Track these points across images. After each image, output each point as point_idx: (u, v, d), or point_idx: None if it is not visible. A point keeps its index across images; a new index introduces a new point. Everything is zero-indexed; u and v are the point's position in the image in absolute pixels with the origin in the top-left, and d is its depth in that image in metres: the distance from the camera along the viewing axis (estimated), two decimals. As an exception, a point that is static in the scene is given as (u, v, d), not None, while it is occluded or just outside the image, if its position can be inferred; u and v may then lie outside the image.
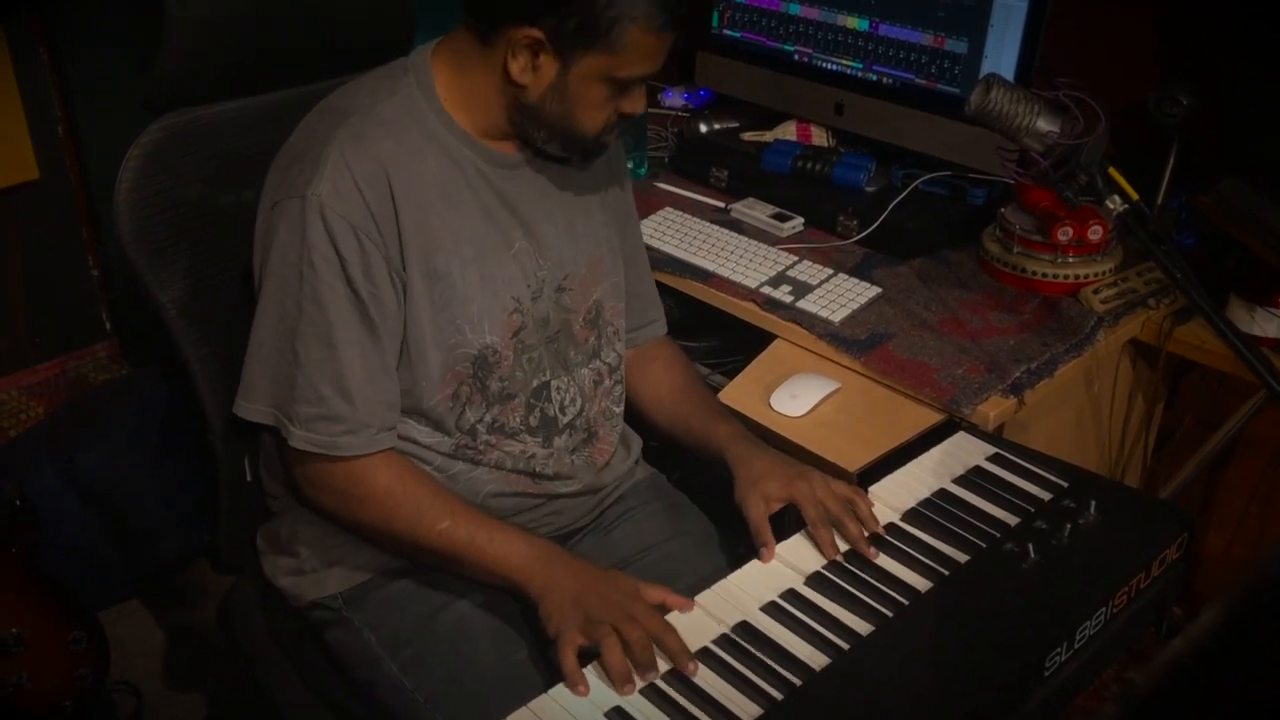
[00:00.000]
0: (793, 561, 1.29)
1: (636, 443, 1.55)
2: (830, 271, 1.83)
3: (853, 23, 1.99)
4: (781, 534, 1.34)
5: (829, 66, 2.05)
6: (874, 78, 2.00)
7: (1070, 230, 1.74)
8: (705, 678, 1.14)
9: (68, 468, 2.16)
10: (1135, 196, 1.36)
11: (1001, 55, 1.82)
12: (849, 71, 2.03)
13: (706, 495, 1.56)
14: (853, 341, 1.68)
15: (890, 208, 1.91)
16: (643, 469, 1.55)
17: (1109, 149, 1.38)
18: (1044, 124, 1.37)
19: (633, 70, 1.23)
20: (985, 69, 1.84)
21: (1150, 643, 1.72)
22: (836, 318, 1.73)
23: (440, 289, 1.27)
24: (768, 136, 2.16)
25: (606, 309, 1.44)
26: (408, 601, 1.31)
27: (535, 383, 1.37)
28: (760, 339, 1.79)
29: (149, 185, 1.38)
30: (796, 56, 2.09)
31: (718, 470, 1.44)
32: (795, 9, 2.06)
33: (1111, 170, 1.37)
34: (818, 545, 1.30)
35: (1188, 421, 2.00)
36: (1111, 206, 1.33)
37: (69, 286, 2.93)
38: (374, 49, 1.49)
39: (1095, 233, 1.75)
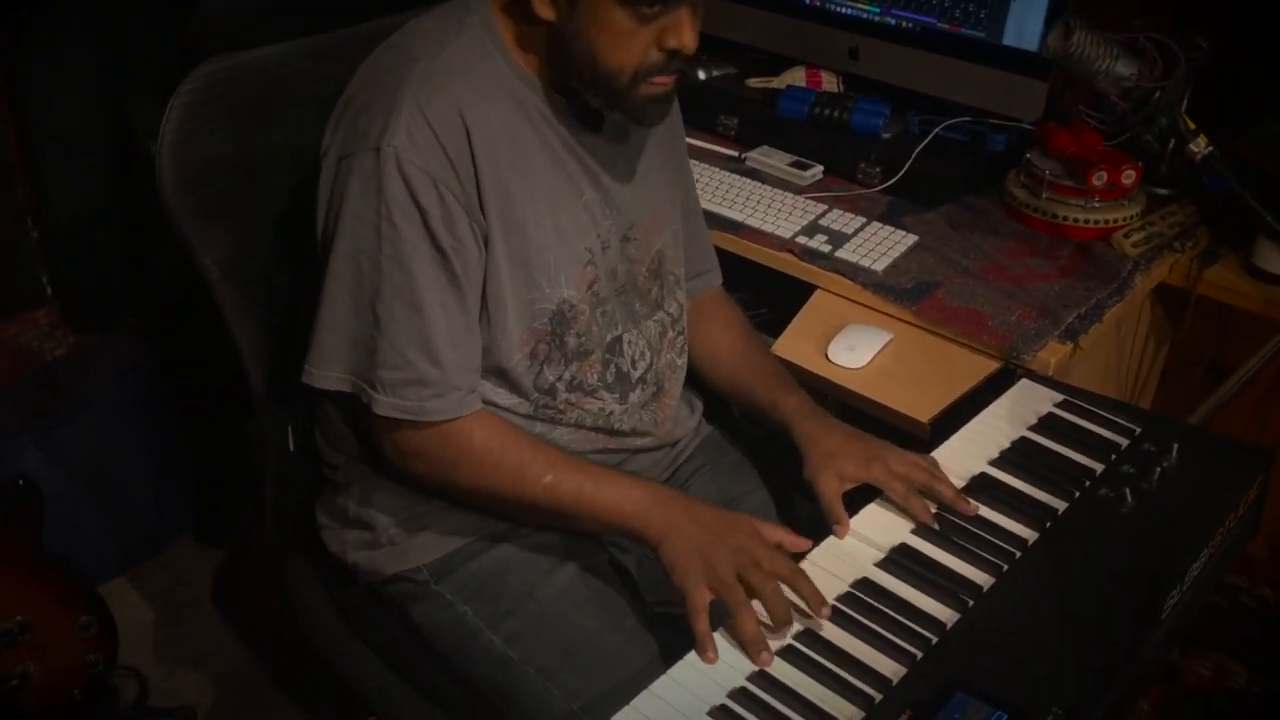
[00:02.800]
0: (870, 533, 1.26)
1: (699, 403, 1.51)
2: (862, 220, 1.81)
3: (870, -35, 1.96)
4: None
5: (844, 10, 2.01)
6: (892, 22, 1.96)
7: (1105, 174, 1.74)
8: (838, 634, 1.11)
9: (48, 442, 2.03)
10: (1208, 142, 1.36)
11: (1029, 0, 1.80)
12: (865, 15, 1.99)
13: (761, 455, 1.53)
14: (901, 290, 1.66)
15: (915, 154, 1.88)
16: (706, 426, 1.51)
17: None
18: (1123, 67, 1.36)
19: None
20: (1014, 13, 1.82)
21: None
22: (879, 266, 1.70)
23: (516, 240, 1.21)
24: (776, 83, 2.12)
25: (668, 258, 1.39)
26: (504, 571, 1.26)
27: (609, 337, 1.32)
28: (789, 290, 1.75)
29: (191, 138, 1.29)
30: (808, 1, 2.04)
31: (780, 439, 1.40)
32: (807, -50, 2.01)
33: (1185, 116, 1.36)
34: (913, 517, 1.25)
35: (1204, 360, 2.04)
36: (1195, 149, 1.33)
37: (6, 250, 2.75)
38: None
39: (1129, 176, 1.75)
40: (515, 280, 1.22)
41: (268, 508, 1.46)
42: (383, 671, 1.36)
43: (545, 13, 1.15)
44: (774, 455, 1.47)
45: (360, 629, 1.38)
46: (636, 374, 1.36)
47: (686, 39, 1.15)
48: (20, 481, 1.67)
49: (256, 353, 1.39)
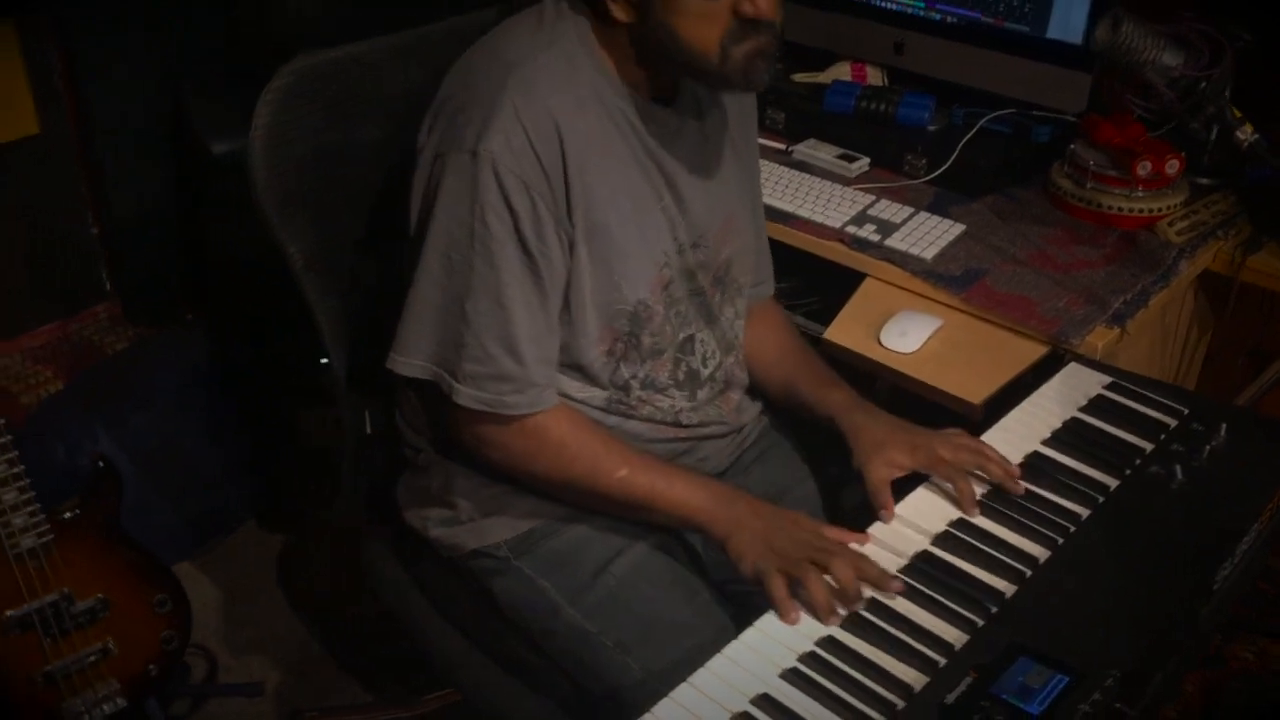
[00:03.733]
0: (917, 519, 1.30)
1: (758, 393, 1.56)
2: (910, 210, 1.86)
3: (916, -38, 2.00)
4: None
5: (889, 6, 2.06)
6: (937, 17, 2.01)
7: (1149, 164, 1.78)
8: (900, 604, 1.16)
9: (120, 430, 2.11)
10: (1254, 130, 1.40)
11: (1075, -7, 1.84)
12: (911, 10, 2.04)
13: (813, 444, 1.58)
14: (950, 278, 1.71)
15: (960, 146, 1.93)
16: (765, 418, 1.56)
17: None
18: (1169, 58, 1.40)
19: None
20: (1058, 7, 1.86)
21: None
22: (928, 255, 1.75)
23: (599, 244, 1.26)
24: (822, 77, 2.16)
25: (734, 266, 1.44)
26: (580, 548, 1.32)
27: (681, 336, 1.37)
28: (838, 278, 1.80)
29: (281, 131, 1.34)
30: (855, -4, 2.09)
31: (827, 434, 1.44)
32: (852, -52, 2.06)
33: (1231, 105, 1.40)
34: (959, 501, 1.29)
35: (1247, 347, 2.07)
36: (1243, 137, 1.37)
37: (68, 246, 2.83)
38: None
39: (1172, 166, 1.79)
40: (596, 282, 1.27)
41: (345, 487, 1.52)
42: (461, 641, 1.42)
43: (622, 15, 1.20)
44: (824, 443, 1.52)
45: (439, 602, 1.44)
46: (706, 372, 1.41)
47: (762, 5, 1.17)
48: (100, 464, 1.74)
49: (337, 339, 1.45)
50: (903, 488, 1.33)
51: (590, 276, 1.26)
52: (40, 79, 2.61)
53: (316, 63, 1.36)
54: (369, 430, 1.52)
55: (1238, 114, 1.40)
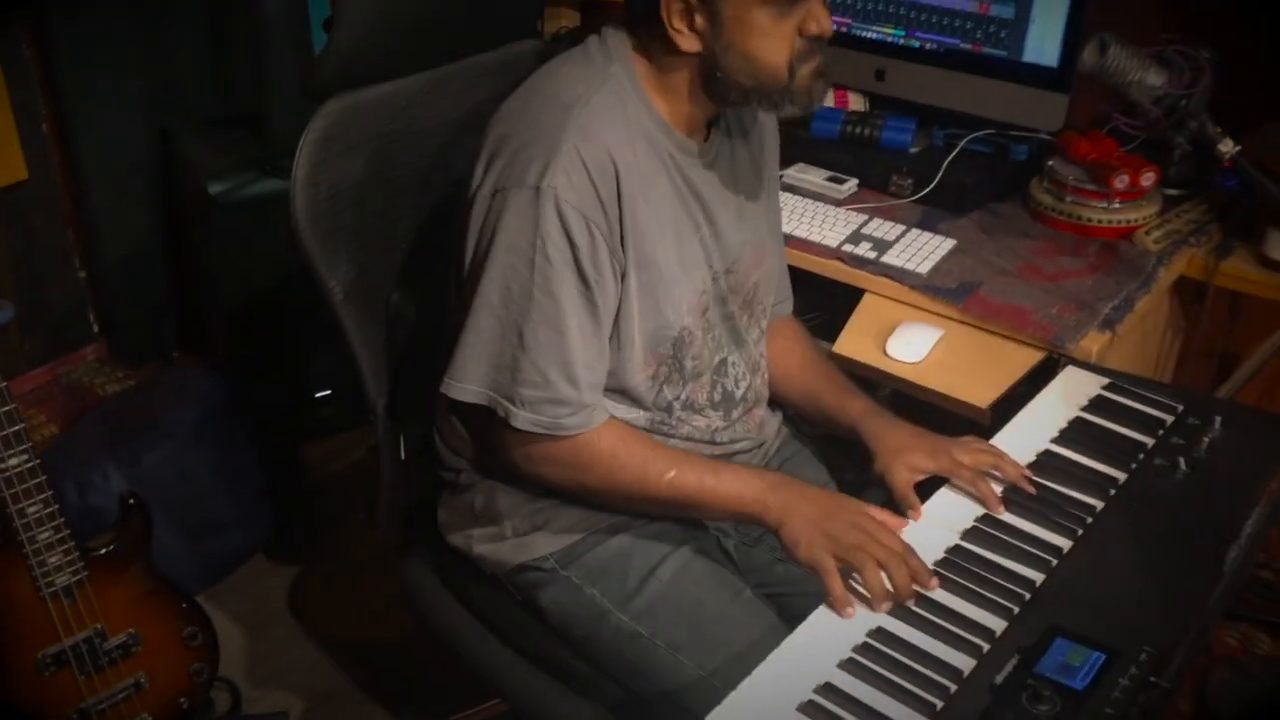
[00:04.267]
0: (943, 516, 1.38)
1: (779, 408, 1.63)
2: (901, 228, 1.95)
3: (894, -8, 2.10)
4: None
5: (870, 35, 2.16)
6: (916, 44, 2.11)
7: (1126, 177, 1.89)
8: (940, 595, 1.24)
9: (133, 467, 2.13)
10: (1234, 144, 1.51)
11: (1047, 19, 1.94)
12: (891, 39, 2.14)
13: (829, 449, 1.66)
14: (946, 290, 1.80)
15: (945, 166, 2.03)
16: (785, 429, 1.63)
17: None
18: (1153, 78, 1.51)
19: None
20: (1032, 33, 1.97)
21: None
22: (923, 269, 1.84)
23: (648, 274, 1.33)
24: (807, 104, 2.25)
25: (761, 290, 1.52)
26: (626, 556, 1.38)
27: (716, 359, 1.45)
28: (833, 296, 1.88)
29: (320, 170, 1.40)
30: (836, 27, 2.18)
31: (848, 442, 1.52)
32: (833, -19, 2.16)
33: (1210, 121, 1.51)
34: (983, 501, 1.36)
35: (1217, 349, 2.18)
36: (1224, 150, 1.48)
37: (56, 290, 2.85)
38: (506, 27, 1.54)
39: (1148, 178, 1.90)
40: (645, 309, 1.34)
41: (382, 510, 1.57)
42: (509, 655, 1.47)
43: (691, 45, 1.27)
44: (842, 451, 1.60)
45: (486, 619, 1.49)
46: (739, 393, 1.48)
47: (825, 24, 1.28)
48: (131, 500, 1.77)
49: (374, 369, 1.50)
50: (922, 492, 1.41)
51: (639, 304, 1.33)
52: (28, 125, 2.64)
53: (351, 104, 1.41)
54: (404, 455, 1.57)
55: (1219, 129, 1.50)
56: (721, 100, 1.35)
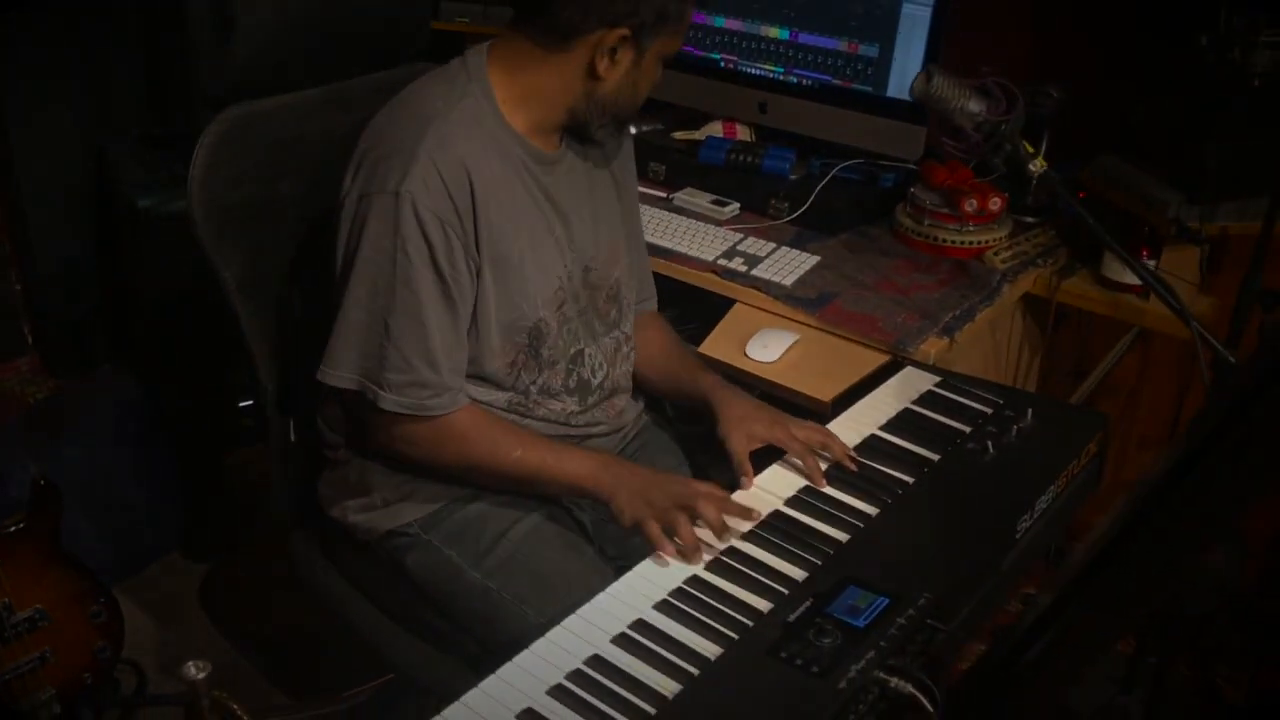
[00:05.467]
0: (773, 488, 1.53)
1: (640, 394, 1.78)
2: (773, 245, 2.11)
3: (774, 32, 2.29)
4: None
5: (753, 71, 2.34)
6: (794, 80, 2.29)
7: (975, 202, 2.07)
8: (753, 550, 1.38)
9: (53, 462, 2.24)
10: (1045, 163, 1.69)
11: (908, 58, 2.14)
12: (771, 75, 2.32)
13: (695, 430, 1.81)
14: (806, 300, 1.96)
15: (817, 191, 2.20)
16: (645, 416, 1.78)
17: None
18: (974, 105, 1.68)
19: (680, 41, 1.47)
20: (895, 70, 2.16)
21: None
22: (788, 282, 2.00)
23: (503, 270, 1.48)
24: (698, 134, 2.43)
25: (623, 286, 1.67)
26: (482, 520, 1.52)
27: (573, 350, 1.59)
28: (711, 307, 2.05)
29: (215, 170, 1.54)
30: (723, 64, 2.37)
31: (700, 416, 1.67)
32: (721, 21, 2.34)
33: (1025, 144, 1.69)
34: (808, 475, 1.52)
35: (1063, 366, 2.36)
36: (1034, 169, 1.65)
37: (-10, 301, 2.96)
38: (396, 48, 1.70)
39: (995, 203, 2.08)
40: (500, 303, 1.49)
41: (274, 487, 1.70)
42: (379, 617, 1.60)
43: (610, 74, 1.45)
44: (696, 438, 1.76)
45: (359, 583, 1.62)
46: (595, 381, 1.63)
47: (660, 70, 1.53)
48: (41, 481, 1.88)
49: (265, 355, 1.63)
50: (759, 465, 1.56)
51: (495, 298, 1.48)
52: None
53: (247, 112, 1.57)
54: (293, 438, 1.70)
55: (1030, 149, 1.68)
56: (583, 120, 1.51)
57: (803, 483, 1.52)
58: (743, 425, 1.56)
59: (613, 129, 1.56)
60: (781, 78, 2.31)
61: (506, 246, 1.48)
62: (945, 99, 1.68)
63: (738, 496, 1.49)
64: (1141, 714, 2.10)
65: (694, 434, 1.78)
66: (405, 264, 1.41)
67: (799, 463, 1.53)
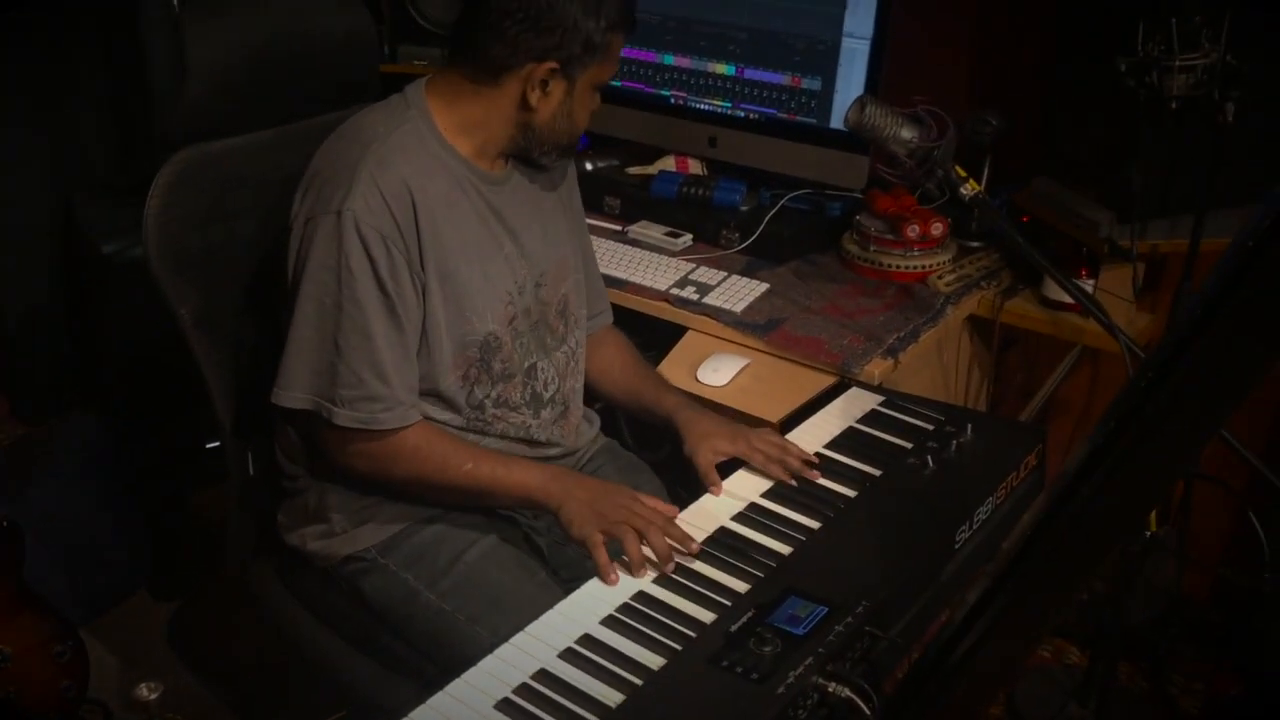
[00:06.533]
0: (740, 492, 1.59)
1: (596, 418, 1.83)
2: (724, 274, 2.17)
3: (721, 69, 2.35)
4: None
5: (702, 107, 2.40)
6: (742, 114, 2.36)
7: (918, 227, 2.13)
8: (700, 565, 1.42)
9: (20, 504, 2.26)
10: (978, 186, 1.75)
11: (849, 90, 2.20)
12: (720, 110, 2.38)
13: (652, 459, 1.86)
14: (755, 325, 2.01)
15: (765, 221, 2.26)
16: (603, 437, 1.83)
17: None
18: (906, 133, 1.75)
19: (613, 69, 1.53)
20: (837, 102, 2.22)
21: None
22: (738, 309, 2.06)
23: (451, 286, 1.52)
24: (651, 169, 2.49)
25: (572, 301, 1.72)
26: (438, 544, 1.55)
27: (527, 364, 1.64)
28: (666, 335, 2.10)
29: (170, 209, 1.58)
30: (673, 100, 2.43)
31: (665, 433, 1.73)
32: (670, 59, 2.41)
33: (958, 168, 1.75)
34: (772, 479, 1.58)
35: (1014, 385, 2.42)
36: (966, 192, 1.71)
37: (-43, 348, 2.98)
38: (346, 91, 1.76)
39: (937, 228, 2.14)
40: (449, 317, 1.54)
41: (232, 519, 1.73)
42: (338, 644, 1.62)
43: (543, 105, 1.51)
44: (659, 462, 1.80)
45: (318, 611, 1.65)
46: (548, 395, 1.68)
47: (599, 100, 1.60)
48: (4, 522, 1.90)
49: (222, 390, 1.67)
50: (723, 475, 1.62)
51: (444, 313, 1.52)
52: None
53: (200, 153, 1.61)
54: (251, 471, 1.73)
55: (962, 173, 1.74)
56: (524, 146, 1.56)
57: (767, 483, 1.58)
58: (707, 441, 1.62)
59: (556, 156, 1.61)
60: (730, 112, 2.38)
61: (454, 262, 1.52)
62: (878, 127, 1.74)
63: (689, 512, 1.53)
64: (1096, 725, 2.14)
65: (652, 461, 1.83)
66: (350, 280, 1.45)
67: (760, 469, 1.59)
